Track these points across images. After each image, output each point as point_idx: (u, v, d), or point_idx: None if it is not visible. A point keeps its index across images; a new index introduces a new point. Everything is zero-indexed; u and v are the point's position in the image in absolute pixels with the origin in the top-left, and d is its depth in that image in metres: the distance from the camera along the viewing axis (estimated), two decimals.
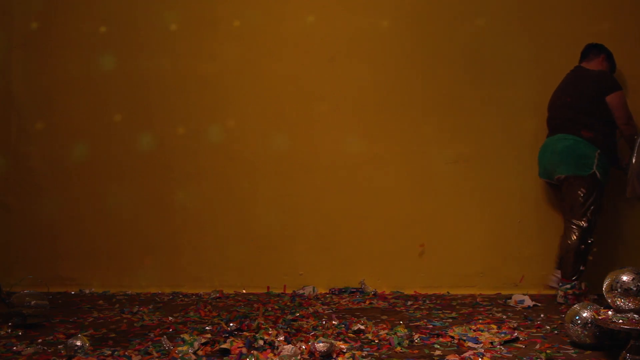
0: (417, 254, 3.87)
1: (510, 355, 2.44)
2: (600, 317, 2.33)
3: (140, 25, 4.10)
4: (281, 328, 2.81)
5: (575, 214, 3.41)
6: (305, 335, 2.72)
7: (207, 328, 2.90)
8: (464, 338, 2.65)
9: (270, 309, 3.32)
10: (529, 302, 3.39)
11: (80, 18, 4.13)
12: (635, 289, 2.23)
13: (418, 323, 3.01)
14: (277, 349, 2.50)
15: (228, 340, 2.59)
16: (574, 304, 3.23)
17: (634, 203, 3.72)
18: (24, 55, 4.18)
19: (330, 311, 3.30)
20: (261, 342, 2.58)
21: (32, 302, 3.07)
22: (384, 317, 3.16)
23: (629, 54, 3.72)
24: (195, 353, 2.51)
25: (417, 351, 2.53)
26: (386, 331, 2.80)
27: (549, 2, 3.82)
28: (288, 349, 2.43)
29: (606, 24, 3.75)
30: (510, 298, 3.49)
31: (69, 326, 3.06)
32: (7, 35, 4.19)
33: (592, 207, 3.39)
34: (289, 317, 3.09)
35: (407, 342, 2.64)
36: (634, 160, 3.31)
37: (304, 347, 2.52)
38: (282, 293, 3.85)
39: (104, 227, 4.08)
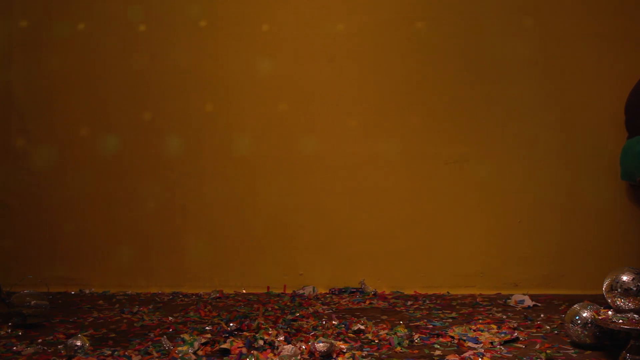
0: (417, 254, 3.87)
1: (510, 355, 2.45)
2: (600, 317, 2.33)
3: (139, 25, 4.09)
4: (281, 328, 2.81)
5: None
6: (305, 335, 2.73)
7: (207, 328, 2.90)
8: (464, 338, 2.65)
9: (270, 309, 3.32)
10: (529, 302, 3.39)
11: (81, 18, 4.12)
12: (635, 289, 2.23)
13: (418, 323, 3.01)
14: (277, 349, 2.50)
15: (228, 340, 2.60)
16: None
17: (635, 202, 3.73)
18: (24, 55, 4.18)
19: (330, 311, 3.30)
20: (261, 342, 2.58)
21: (32, 302, 3.07)
22: (384, 317, 3.16)
23: (634, 54, 3.72)
24: (195, 353, 2.51)
25: (417, 351, 2.53)
26: (386, 331, 2.80)
27: (551, 1, 3.82)
28: (288, 349, 2.43)
29: (610, 23, 3.75)
30: (510, 298, 3.50)
31: (69, 326, 3.06)
32: (7, 35, 4.19)
33: None
34: (289, 317, 3.09)
35: (407, 342, 2.64)
36: None
37: (304, 347, 2.52)
38: (282, 293, 3.85)
39: (104, 227, 4.08)
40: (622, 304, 2.27)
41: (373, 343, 2.65)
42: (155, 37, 4.08)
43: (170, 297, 3.82)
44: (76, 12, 4.13)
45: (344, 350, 2.50)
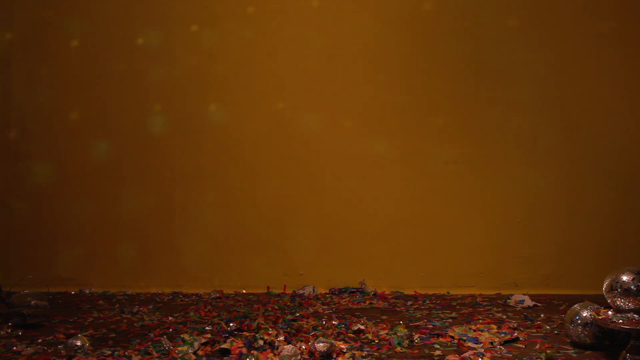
0: (417, 254, 3.87)
1: (510, 355, 2.45)
2: (600, 317, 2.33)
3: (141, 26, 4.09)
4: (281, 328, 2.81)
5: None
6: (305, 335, 2.73)
7: (207, 328, 2.90)
8: (464, 338, 2.66)
9: (270, 309, 3.32)
10: (529, 302, 3.39)
11: (81, 18, 4.12)
12: (635, 289, 2.23)
13: (418, 323, 3.01)
14: (277, 349, 2.50)
15: (228, 340, 2.60)
16: None
17: (634, 201, 3.73)
18: (24, 55, 4.18)
19: (330, 311, 3.30)
20: (261, 342, 2.59)
21: (32, 302, 3.07)
22: (384, 317, 3.16)
23: (635, 54, 3.73)
24: (195, 353, 2.51)
25: (417, 351, 2.54)
26: (386, 331, 2.80)
27: (552, 2, 3.82)
28: (288, 349, 2.44)
29: (611, 24, 3.75)
30: (510, 298, 3.50)
31: (69, 326, 3.07)
32: (7, 35, 4.19)
33: None
34: (289, 317, 3.09)
35: (407, 342, 2.65)
36: None
37: (304, 347, 2.52)
38: (282, 293, 3.85)
39: (104, 227, 4.07)
40: (622, 304, 2.27)
41: (373, 343, 2.65)
42: (154, 39, 4.07)
43: (170, 297, 3.82)
44: (76, 13, 4.13)
45: (344, 350, 2.50)
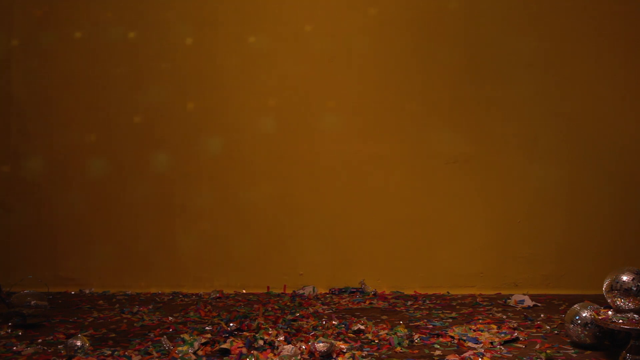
0: (417, 254, 3.87)
1: (510, 355, 2.45)
2: (600, 317, 2.33)
3: (139, 26, 4.09)
4: (281, 328, 2.81)
5: None
6: (305, 335, 2.73)
7: (207, 328, 2.90)
8: (464, 338, 2.66)
9: (270, 309, 3.32)
10: (529, 302, 3.39)
11: (81, 18, 4.12)
12: (635, 289, 2.23)
13: (418, 323, 3.01)
14: (277, 349, 2.50)
15: (228, 340, 2.60)
16: None
17: (634, 202, 3.73)
18: (24, 55, 4.18)
19: (330, 311, 3.30)
20: (261, 342, 2.59)
21: (32, 302, 3.07)
22: (384, 317, 3.16)
23: (634, 53, 3.73)
24: (195, 353, 2.51)
25: (417, 351, 2.54)
26: (386, 331, 2.80)
27: (552, 2, 3.82)
28: (288, 349, 2.44)
29: (611, 23, 3.75)
30: (510, 298, 3.50)
31: (69, 326, 3.07)
32: (7, 35, 4.19)
33: None
34: (289, 317, 3.09)
35: (407, 342, 2.65)
36: None
37: (304, 347, 2.52)
38: (282, 293, 3.85)
39: (104, 227, 4.07)
40: (622, 304, 2.27)
41: (373, 343, 2.65)
42: (148, 40, 4.07)
43: (170, 297, 3.82)
44: (77, 13, 4.13)
45: (344, 350, 2.50)
